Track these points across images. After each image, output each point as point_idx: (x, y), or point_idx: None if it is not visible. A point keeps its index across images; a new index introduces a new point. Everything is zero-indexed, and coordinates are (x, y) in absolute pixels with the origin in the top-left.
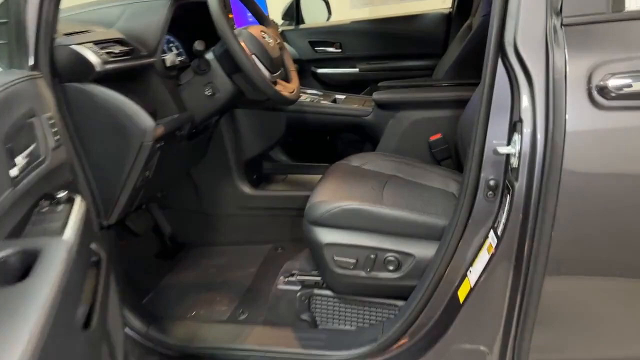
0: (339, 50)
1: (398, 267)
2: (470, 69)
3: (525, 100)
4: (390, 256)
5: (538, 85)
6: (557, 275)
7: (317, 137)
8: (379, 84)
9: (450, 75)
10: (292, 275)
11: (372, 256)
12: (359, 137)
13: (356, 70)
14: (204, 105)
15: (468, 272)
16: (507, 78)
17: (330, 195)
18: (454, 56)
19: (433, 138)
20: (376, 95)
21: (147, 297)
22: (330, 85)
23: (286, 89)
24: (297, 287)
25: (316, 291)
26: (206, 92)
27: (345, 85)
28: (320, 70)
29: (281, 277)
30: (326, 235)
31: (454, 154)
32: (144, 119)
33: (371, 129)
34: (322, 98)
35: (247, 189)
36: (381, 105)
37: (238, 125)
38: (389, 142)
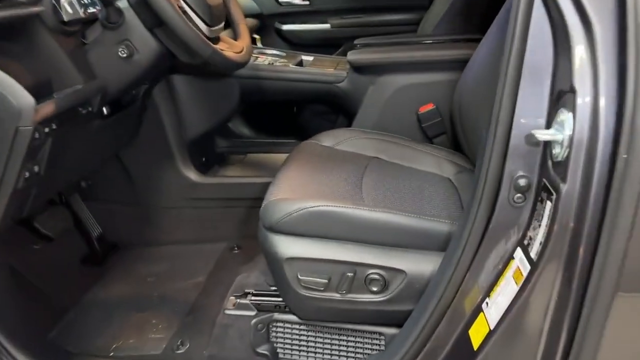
0: (307, 3)
1: (384, 287)
2: (468, 22)
3: (580, 59)
4: (373, 273)
5: (602, 35)
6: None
7: (281, 108)
8: (356, 42)
9: (442, 29)
10: (245, 295)
11: (350, 274)
12: (330, 108)
13: (327, 26)
14: (119, 71)
15: (484, 305)
16: (548, 25)
17: (293, 190)
18: (445, 7)
19: (423, 109)
20: (352, 56)
21: (61, 322)
22: (297, 44)
23: (232, 47)
24: (252, 312)
25: (277, 316)
26: (120, 53)
27: (315, 45)
28: (285, 27)
29: (231, 298)
30: (287, 247)
31: (449, 129)
32: (18, 94)
33: (346, 98)
34: (284, 60)
35: (192, 175)
36: (358, 69)
37: (177, 96)
38: (368, 114)
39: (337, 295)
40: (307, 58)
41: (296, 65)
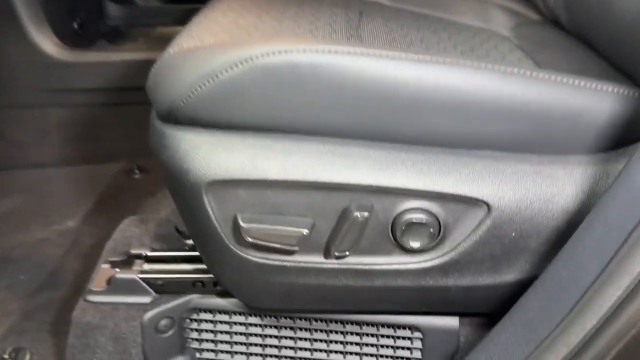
0: None
1: (436, 239)
2: None
3: None
4: (412, 210)
5: None
6: None
7: None
8: None
9: None
10: (130, 261)
11: (359, 213)
12: None
13: None
14: None
15: None
16: None
17: (224, 33)
18: None
19: None
20: None
21: None
22: None
23: None
24: (145, 298)
25: (198, 302)
26: None
27: None
28: None
29: (103, 267)
30: (212, 155)
31: None
32: None
33: None
34: None
35: (53, 48)
36: None
37: None
38: None
39: (330, 263)
40: None
41: None
